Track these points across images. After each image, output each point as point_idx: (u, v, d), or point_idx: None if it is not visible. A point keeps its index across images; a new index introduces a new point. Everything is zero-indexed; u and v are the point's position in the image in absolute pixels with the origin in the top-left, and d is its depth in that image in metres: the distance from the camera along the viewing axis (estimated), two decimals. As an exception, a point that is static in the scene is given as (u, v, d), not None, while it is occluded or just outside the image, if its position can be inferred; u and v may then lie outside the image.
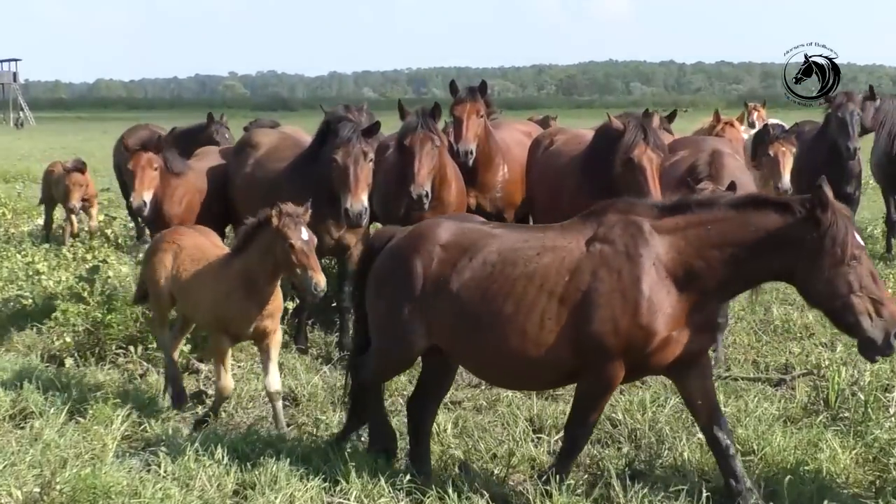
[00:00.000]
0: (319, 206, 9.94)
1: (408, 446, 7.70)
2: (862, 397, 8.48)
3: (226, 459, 7.45)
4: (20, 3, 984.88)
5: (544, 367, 6.57)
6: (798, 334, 11.22)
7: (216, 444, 7.73)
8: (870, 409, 8.29)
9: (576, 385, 6.78)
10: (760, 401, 8.83)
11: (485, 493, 6.98)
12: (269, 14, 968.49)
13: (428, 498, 6.97)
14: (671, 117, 9.78)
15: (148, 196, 11.38)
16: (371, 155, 10.08)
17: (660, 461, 7.57)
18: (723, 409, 8.43)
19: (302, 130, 12.80)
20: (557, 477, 6.62)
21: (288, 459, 7.45)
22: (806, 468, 7.32)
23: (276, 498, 6.78)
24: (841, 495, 6.90)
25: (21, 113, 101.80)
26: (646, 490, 6.92)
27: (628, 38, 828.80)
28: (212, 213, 12.25)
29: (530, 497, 6.81)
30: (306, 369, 10.12)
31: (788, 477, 7.00)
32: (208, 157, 13.30)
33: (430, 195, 10.55)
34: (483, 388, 9.40)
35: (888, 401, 8.60)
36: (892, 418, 8.15)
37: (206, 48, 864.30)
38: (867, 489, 7.04)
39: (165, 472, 7.23)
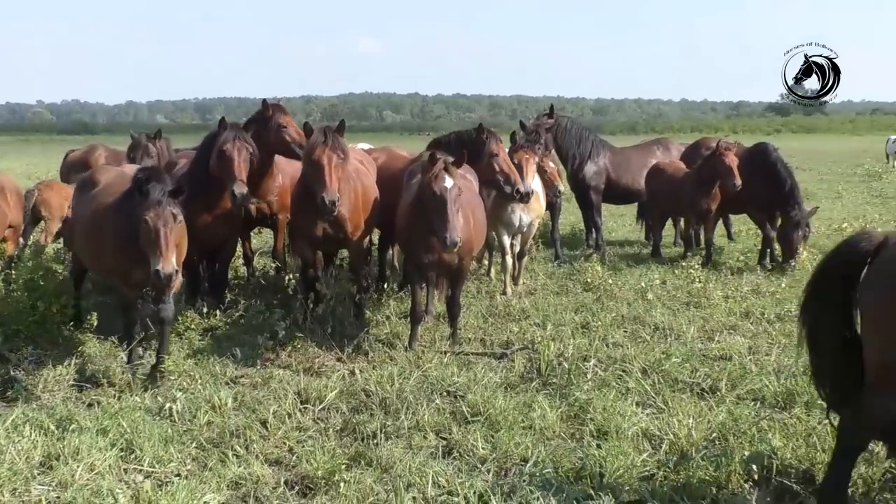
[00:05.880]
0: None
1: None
2: (566, 366, 8.69)
3: (33, 435, 7.08)
4: None
5: None
6: (517, 316, 11.32)
7: (24, 423, 7.35)
8: (572, 376, 8.49)
9: None
10: (486, 371, 8.90)
11: (261, 455, 6.94)
12: (72, 47, 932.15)
13: (210, 460, 6.79)
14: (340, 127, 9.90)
15: None
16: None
17: (406, 422, 7.53)
18: (455, 379, 8.58)
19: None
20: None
21: (89, 433, 7.11)
22: (522, 425, 7.42)
23: (78, 467, 6.43)
24: (549, 445, 7.03)
25: None
26: (393, 445, 7.01)
27: (380, 73, 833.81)
28: None
29: (298, 455, 6.75)
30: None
31: (509, 432, 7.14)
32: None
33: (246, 194, 10.70)
34: (258, 367, 9.20)
35: (586, 369, 8.82)
36: (589, 382, 8.37)
37: (16, 78, 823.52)
38: (569, 439, 7.20)
39: (-24, 449, 6.78)
